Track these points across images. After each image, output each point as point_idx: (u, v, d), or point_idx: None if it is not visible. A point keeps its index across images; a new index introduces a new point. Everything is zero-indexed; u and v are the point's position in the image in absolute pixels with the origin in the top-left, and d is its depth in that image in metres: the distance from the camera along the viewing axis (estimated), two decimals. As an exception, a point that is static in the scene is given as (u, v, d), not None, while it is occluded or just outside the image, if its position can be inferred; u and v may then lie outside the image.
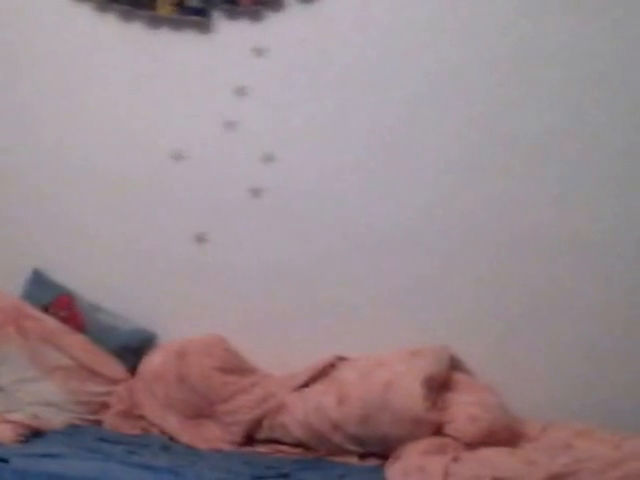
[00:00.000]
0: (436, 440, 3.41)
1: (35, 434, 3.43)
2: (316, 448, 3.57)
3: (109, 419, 3.71)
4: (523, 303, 3.77)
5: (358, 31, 3.80)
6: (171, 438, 3.63)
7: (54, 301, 3.92)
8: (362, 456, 3.51)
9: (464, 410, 3.47)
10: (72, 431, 3.54)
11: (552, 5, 3.63)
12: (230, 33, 3.88)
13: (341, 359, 3.76)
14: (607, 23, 3.60)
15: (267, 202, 3.90)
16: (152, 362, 3.76)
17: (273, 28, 3.85)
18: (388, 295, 3.87)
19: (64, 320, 3.87)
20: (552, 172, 3.70)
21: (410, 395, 3.44)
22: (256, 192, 3.89)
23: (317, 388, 3.65)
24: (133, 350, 3.88)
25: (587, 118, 3.66)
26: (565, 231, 3.71)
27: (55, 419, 3.60)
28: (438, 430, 3.46)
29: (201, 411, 3.69)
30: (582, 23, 3.61)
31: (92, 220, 4.01)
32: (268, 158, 3.87)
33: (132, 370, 3.84)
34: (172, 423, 3.67)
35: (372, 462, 3.47)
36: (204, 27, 3.88)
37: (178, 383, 3.68)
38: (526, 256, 3.74)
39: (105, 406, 3.75)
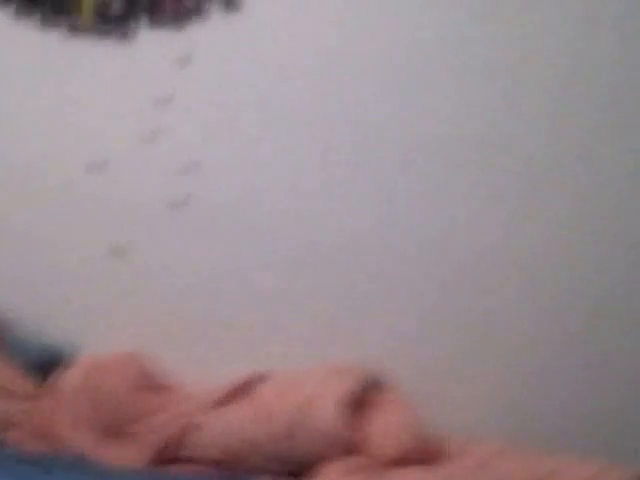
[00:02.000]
0: (353, 460, 3.35)
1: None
2: (232, 468, 3.47)
3: (17, 437, 3.59)
4: (451, 325, 3.69)
5: (286, 38, 3.71)
6: (82, 457, 3.50)
7: (-39, 315, 3.83)
8: (277, 474, 3.40)
9: (383, 429, 3.41)
10: (-24, 450, 3.45)
11: None
12: (153, 42, 3.79)
13: (261, 376, 3.67)
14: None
15: (190, 214, 3.81)
16: (64, 379, 3.66)
17: (197, 37, 3.76)
18: (317, 310, 3.78)
19: (-29, 335, 3.78)
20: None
21: (327, 414, 3.38)
22: (178, 204, 3.81)
23: (234, 406, 3.57)
24: (44, 366, 3.77)
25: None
26: (511, 256, 3.62)
27: (-41, 438, 3.51)
28: (356, 449, 3.39)
29: (113, 429, 3.59)
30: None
31: (1, 231, 3.92)
32: (191, 169, 3.78)
33: (43, 387, 3.73)
34: (83, 441, 3.55)
35: (287, 482, 3.38)
36: (125, 36, 3.80)
37: (90, 401, 3.59)
38: (468, 279, 3.67)
39: (13, 424, 3.63)
